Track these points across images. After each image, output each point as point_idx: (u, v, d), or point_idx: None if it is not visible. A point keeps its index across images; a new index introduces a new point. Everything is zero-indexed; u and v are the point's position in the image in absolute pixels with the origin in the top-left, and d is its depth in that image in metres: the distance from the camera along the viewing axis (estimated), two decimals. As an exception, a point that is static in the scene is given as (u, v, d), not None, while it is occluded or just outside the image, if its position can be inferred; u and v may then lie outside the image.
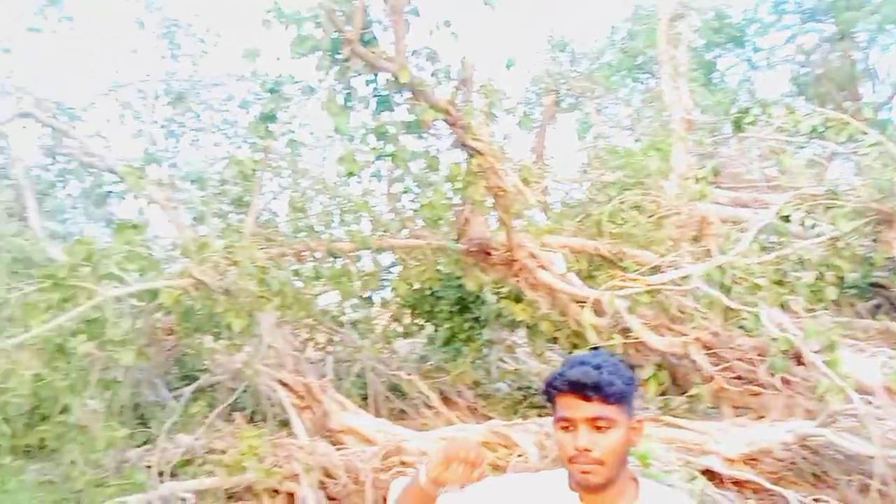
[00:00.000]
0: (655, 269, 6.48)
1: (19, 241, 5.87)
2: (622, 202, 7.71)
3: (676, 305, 6.35)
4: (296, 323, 9.20)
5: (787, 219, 6.43)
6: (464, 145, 6.25)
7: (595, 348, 6.18)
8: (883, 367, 5.32)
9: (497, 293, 9.25)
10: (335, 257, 8.02)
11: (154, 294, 6.04)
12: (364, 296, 9.09)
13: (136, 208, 10.23)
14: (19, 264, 6.22)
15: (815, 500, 4.67)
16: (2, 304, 5.54)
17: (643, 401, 6.29)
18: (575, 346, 6.92)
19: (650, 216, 7.45)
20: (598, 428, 1.56)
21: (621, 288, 6.12)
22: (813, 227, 6.66)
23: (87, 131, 9.95)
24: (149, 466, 6.48)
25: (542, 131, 12.01)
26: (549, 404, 1.70)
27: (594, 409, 1.56)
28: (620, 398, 1.57)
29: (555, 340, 7.99)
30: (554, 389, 1.64)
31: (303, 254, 7.93)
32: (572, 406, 1.59)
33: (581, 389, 1.58)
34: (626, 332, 6.41)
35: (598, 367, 1.57)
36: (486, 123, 6.39)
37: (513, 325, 9.61)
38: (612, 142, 11.11)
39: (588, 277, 7.36)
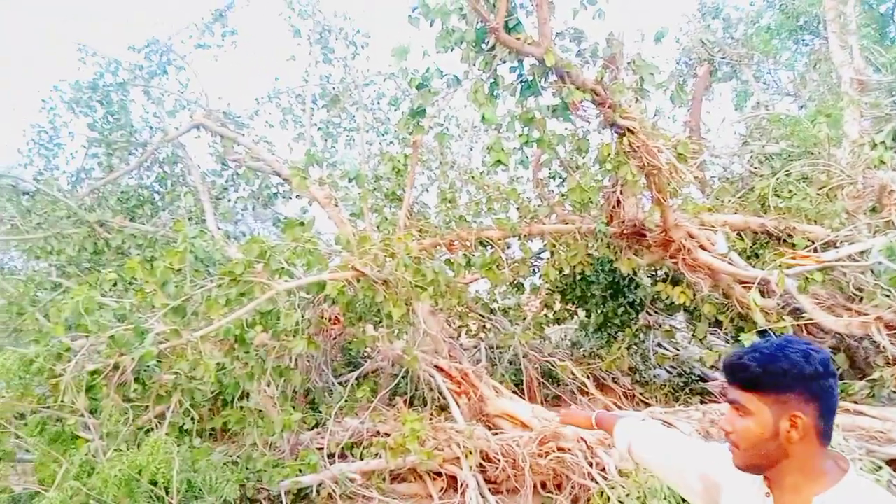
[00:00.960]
0: (828, 245, 6.00)
1: (200, 242, 6.39)
2: (788, 174, 7.19)
3: (854, 283, 5.84)
4: (449, 311, 9.42)
5: (985, 182, 5.73)
6: (613, 125, 6.09)
7: (763, 332, 5.84)
8: None
9: (652, 276, 8.95)
10: (485, 246, 8.11)
11: (321, 286, 6.39)
12: (514, 283, 9.13)
13: (298, 207, 10.93)
14: (200, 264, 6.78)
15: None
16: (188, 301, 6.03)
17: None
18: (740, 330, 6.57)
19: (821, 188, 6.90)
20: (738, 412, 1.57)
21: (790, 266, 5.73)
22: None
23: (253, 137, 10.72)
24: (320, 448, 6.92)
25: (697, 103, 11.38)
26: None
27: (731, 393, 1.58)
28: (755, 386, 1.53)
29: (718, 324, 7.63)
30: None
31: (454, 244, 8.08)
32: (727, 386, 1.63)
33: (724, 372, 1.62)
34: (796, 313, 6.00)
35: (750, 352, 1.55)
36: (637, 100, 6.18)
37: (671, 309, 9.29)
38: (775, 110, 10.37)
39: (752, 256, 6.95)
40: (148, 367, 5.58)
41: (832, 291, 6.01)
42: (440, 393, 7.66)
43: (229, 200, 11.53)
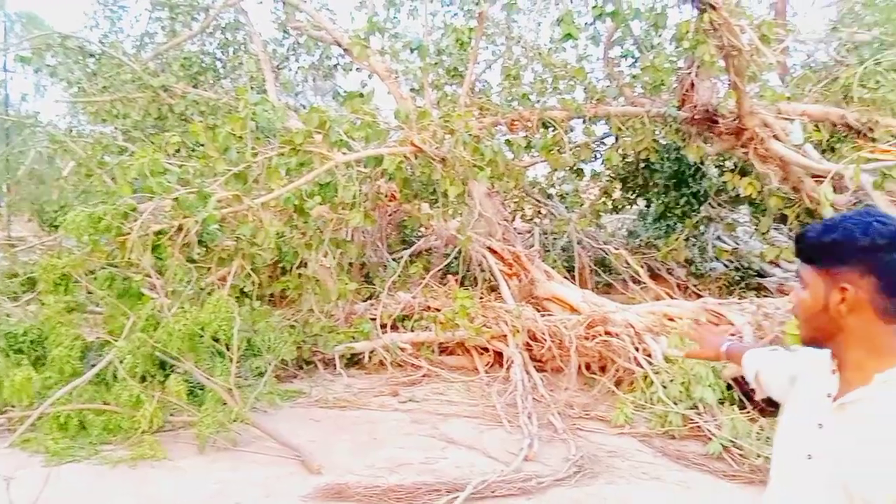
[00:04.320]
0: (913, 141, 5.63)
1: (261, 109, 6.37)
2: (878, 63, 6.65)
3: (936, 182, 5.51)
4: (506, 193, 9.34)
5: None
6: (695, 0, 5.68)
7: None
8: None
9: (720, 166, 8.64)
10: (547, 127, 7.89)
11: (378, 160, 6.37)
12: (574, 167, 8.93)
13: (358, 81, 10.75)
14: (261, 132, 6.80)
15: None
16: (249, 168, 6.10)
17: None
18: (805, 226, 6.33)
19: (912, 80, 6.40)
20: (801, 285, 1.52)
21: (868, 161, 5.41)
22: None
23: (314, 5, 10.42)
24: (373, 319, 7.14)
25: (786, -17, 10.53)
26: None
27: (798, 266, 1.53)
28: (811, 258, 1.48)
29: (783, 219, 7.39)
30: None
31: (515, 123, 7.88)
32: None
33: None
34: (868, 210, 5.72)
35: (815, 224, 1.49)
36: (722, -27, 5.71)
37: (735, 202, 9.02)
38: (871, -6, 9.51)
39: (828, 150, 6.59)
40: (210, 230, 5.72)
41: (911, 189, 5.70)
42: (491, 274, 7.73)
43: (290, 70, 11.42)
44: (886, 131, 6.08)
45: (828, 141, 6.78)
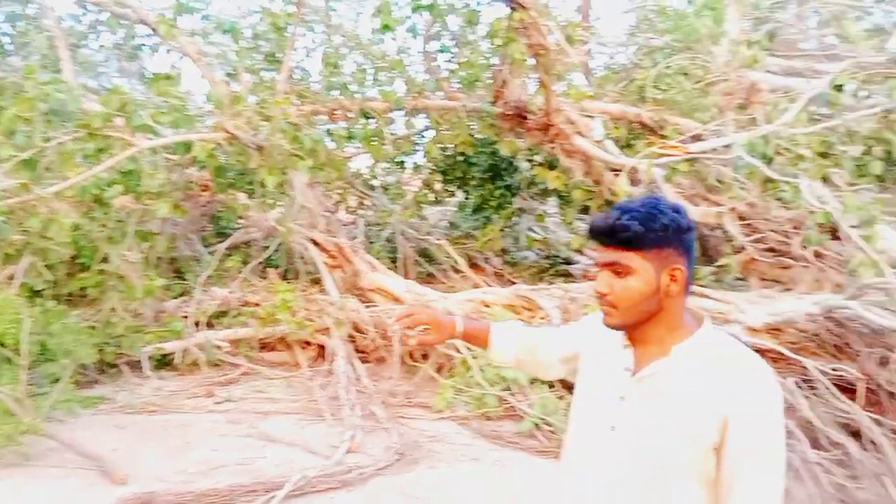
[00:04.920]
0: (697, 138, 6.27)
1: (53, 91, 5.77)
2: (668, 67, 7.34)
3: (715, 175, 6.18)
4: (328, 184, 9.21)
5: (839, 88, 6.08)
6: (506, -2, 5.91)
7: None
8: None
9: (530, 160, 9.10)
10: (368, 118, 7.87)
11: (187, 147, 6.01)
12: (396, 159, 8.99)
13: (168, 63, 10.07)
14: (54, 115, 6.18)
15: (834, 369, 4.71)
16: (39, 154, 5.52)
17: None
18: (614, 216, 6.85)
19: (696, 83, 7.11)
20: (617, 273, 1.56)
21: (660, 156, 5.95)
22: (867, 97, 6.33)
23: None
24: (185, 316, 6.73)
25: (591, -11, 11.30)
26: None
27: (610, 254, 1.56)
28: (637, 244, 1.52)
29: (586, 210, 7.92)
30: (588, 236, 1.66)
31: (335, 112, 7.78)
32: (596, 251, 1.61)
33: (598, 236, 1.59)
34: (659, 201, 6.31)
35: (625, 212, 1.53)
36: (531, -25, 6.00)
37: (544, 194, 9.55)
38: (664, 2, 10.44)
39: (626, 146, 7.16)
40: (-7, 224, 5.13)
41: (694, 182, 6.35)
42: (314, 266, 7.59)
43: (90, 49, 10.46)
44: (674, 129, 6.69)
45: (626, 137, 7.37)
